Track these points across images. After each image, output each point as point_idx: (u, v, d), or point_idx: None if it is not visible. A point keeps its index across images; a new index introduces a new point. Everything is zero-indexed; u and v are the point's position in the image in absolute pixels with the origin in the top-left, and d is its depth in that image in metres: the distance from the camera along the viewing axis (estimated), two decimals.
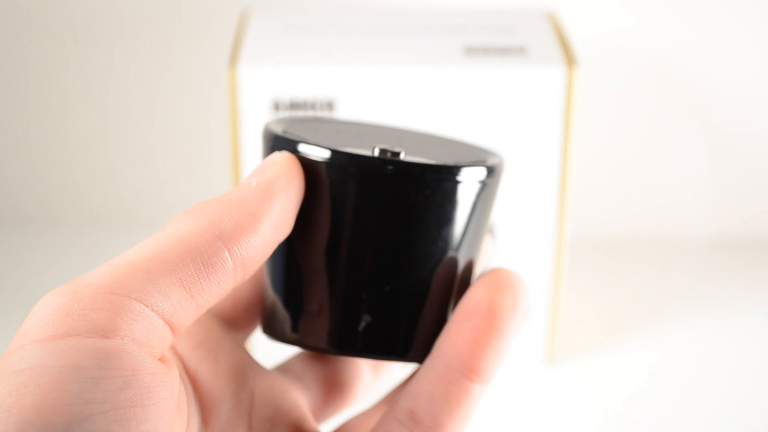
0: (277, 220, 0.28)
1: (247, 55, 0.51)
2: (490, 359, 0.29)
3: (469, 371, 0.29)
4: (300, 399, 0.33)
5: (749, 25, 0.66)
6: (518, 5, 0.63)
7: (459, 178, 0.29)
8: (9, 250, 0.69)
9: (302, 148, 0.29)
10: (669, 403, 0.55)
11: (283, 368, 0.34)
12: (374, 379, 0.35)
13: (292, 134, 0.31)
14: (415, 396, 0.30)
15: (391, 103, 0.51)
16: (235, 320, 0.33)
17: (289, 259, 0.30)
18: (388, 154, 0.29)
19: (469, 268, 0.31)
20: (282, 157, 0.29)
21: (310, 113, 0.51)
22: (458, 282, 0.31)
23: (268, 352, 0.39)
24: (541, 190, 0.53)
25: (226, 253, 0.27)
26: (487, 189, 0.30)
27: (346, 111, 0.51)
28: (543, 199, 0.53)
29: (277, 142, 0.30)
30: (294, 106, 0.51)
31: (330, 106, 0.51)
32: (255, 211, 0.28)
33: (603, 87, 0.67)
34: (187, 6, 0.66)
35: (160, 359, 0.26)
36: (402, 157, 0.29)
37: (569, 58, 0.52)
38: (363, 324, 0.30)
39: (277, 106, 0.51)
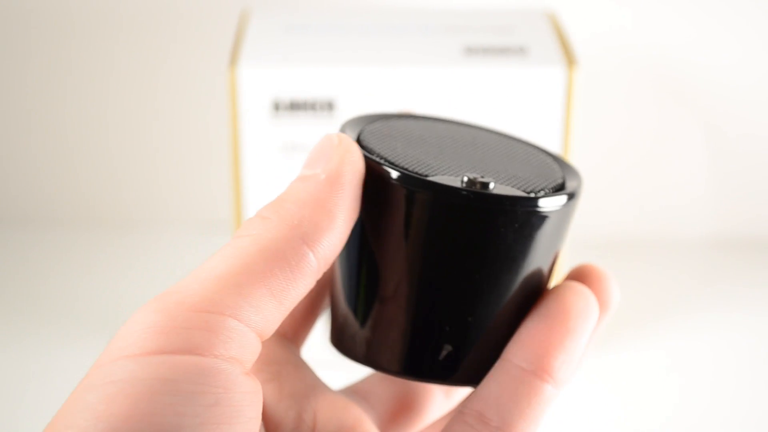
0: (349, 212, 0.28)
1: (247, 55, 0.51)
2: (563, 360, 0.29)
3: (541, 370, 0.29)
4: (364, 415, 0.32)
5: (750, 25, 0.66)
6: (518, 5, 0.63)
7: (549, 207, 0.29)
8: (9, 250, 0.69)
9: (390, 173, 0.28)
10: (669, 403, 0.55)
11: (349, 390, 0.34)
12: (447, 400, 0.35)
13: (376, 154, 0.29)
14: (484, 397, 0.29)
15: (391, 103, 0.51)
16: (285, 332, 0.33)
17: (370, 282, 0.30)
18: (478, 186, 0.28)
19: (546, 285, 0.31)
20: (341, 141, 0.28)
21: (310, 113, 0.51)
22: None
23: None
24: None
25: (311, 255, 0.26)
26: (571, 210, 0.30)
27: (346, 111, 0.51)
28: None
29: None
30: (294, 106, 0.51)
31: (330, 106, 0.51)
32: (331, 208, 0.27)
33: (603, 87, 0.67)
34: (186, 6, 0.66)
35: (246, 373, 0.25)
36: (492, 187, 0.28)
37: (569, 58, 0.52)
38: (444, 353, 0.29)
39: (277, 106, 0.51)
